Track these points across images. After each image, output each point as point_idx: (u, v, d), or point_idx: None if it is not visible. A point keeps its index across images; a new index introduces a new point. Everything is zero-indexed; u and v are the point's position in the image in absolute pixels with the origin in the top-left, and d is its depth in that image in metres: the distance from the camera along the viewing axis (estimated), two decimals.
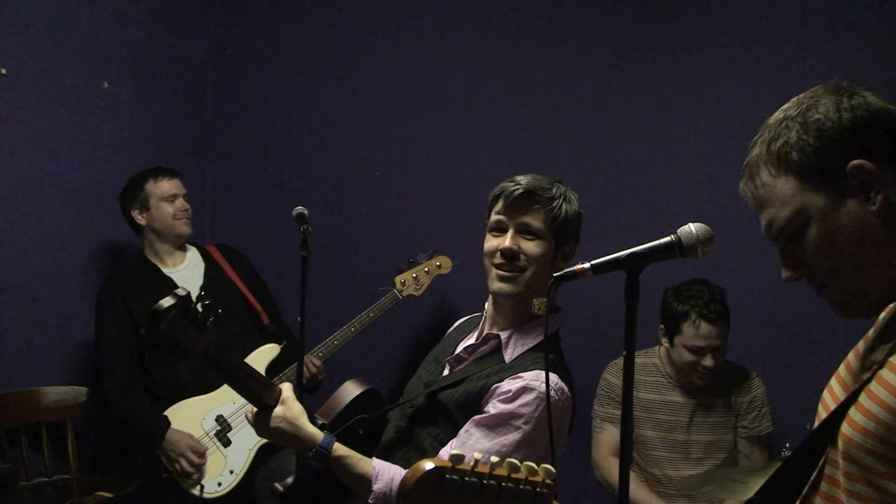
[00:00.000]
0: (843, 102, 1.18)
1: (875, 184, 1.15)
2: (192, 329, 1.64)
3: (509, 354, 1.88)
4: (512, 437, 1.75)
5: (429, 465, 1.03)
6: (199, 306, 1.65)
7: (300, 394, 3.00)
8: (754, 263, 2.92)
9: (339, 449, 1.77)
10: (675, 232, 1.37)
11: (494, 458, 1.03)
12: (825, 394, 1.33)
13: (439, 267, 3.39)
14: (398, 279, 3.32)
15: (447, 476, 1.03)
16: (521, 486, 1.05)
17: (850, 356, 1.33)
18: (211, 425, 3.02)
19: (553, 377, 1.79)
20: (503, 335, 1.91)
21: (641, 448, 2.88)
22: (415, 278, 3.33)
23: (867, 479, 1.14)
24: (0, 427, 3.01)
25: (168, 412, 3.01)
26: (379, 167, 3.77)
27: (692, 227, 1.36)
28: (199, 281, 3.26)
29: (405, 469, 1.75)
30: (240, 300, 3.30)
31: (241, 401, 2.96)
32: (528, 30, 3.53)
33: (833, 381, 1.33)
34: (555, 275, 1.40)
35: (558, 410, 1.80)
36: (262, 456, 3.04)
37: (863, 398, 1.17)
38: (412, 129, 3.73)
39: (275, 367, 3.17)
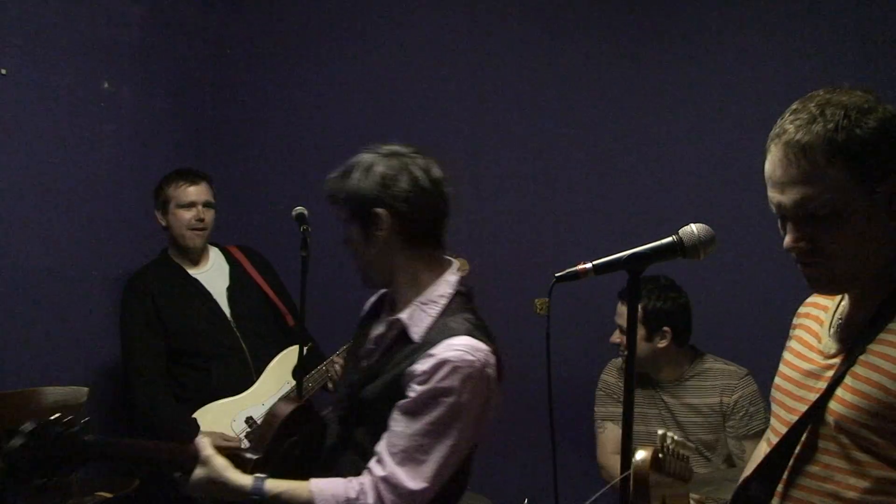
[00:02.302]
0: (886, 107, 1.31)
1: None
2: (59, 447, 1.70)
3: (416, 332, 1.82)
4: (438, 413, 1.71)
5: (642, 454, 1.14)
6: (52, 422, 1.71)
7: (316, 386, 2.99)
8: (754, 263, 2.92)
9: (274, 487, 1.75)
10: (676, 232, 1.37)
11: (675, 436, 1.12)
12: (783, 382, 1.48)
13: (458, 270, 3.33)
14: None
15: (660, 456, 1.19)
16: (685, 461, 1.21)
17: (799, 347, 1.48)
18: (241, 427, 3.01)
19: (463, 341, 1.75)
20: (404, 316, 1.85)
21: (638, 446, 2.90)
22: None
23: (866, 447, 1.28)
24: (0, 427, 3.00)
25: (197, 414, 3.00)
26: None
27: (694, 228, 1.36)
28: (225, 282, 3.25)
29: (352, 476, 1.74)
30: (264, 302, 3.28)
31: (270, 400, 3.01)
32: (529, 31, 3.54)
33: (789, 371, 1.47)
34: (556, 275, 1.41)
35: (482, 378, 1.76)
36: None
37: (849, 380, 1.30)
38: (412, 129, 3.73)
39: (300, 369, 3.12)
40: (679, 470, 1.23)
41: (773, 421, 1.49)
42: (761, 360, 3.08)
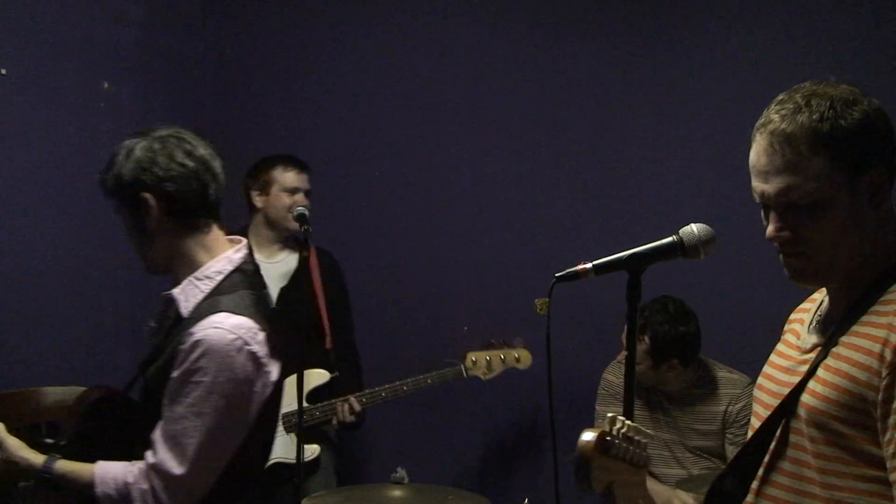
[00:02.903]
0: (872, 101, 1.33)
1: (881, 189, 1.31)
2: None
3: (185, 307, 1.79)
4: (195, 394, 1.69)
5: (589, 435, 1.12)
6: None
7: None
8: (754, 264, 2.92)
9: (63, 466, 1.78)
10: (676, 232, 1.37)
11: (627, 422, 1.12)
12: (763, 381, 1.48)
13: (517, 360, 3.16)
14: (471, 356, 3.11)
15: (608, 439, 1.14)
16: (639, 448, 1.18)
17: (783, 347, 1.49)
18: None
19: (224, 318, 1.71)
20: (176, 291, 1.82)
21: None
22: (487, 361, 3.11)
23: (831, 441, 1.28)
24: None
25: None
26: (378, 167, 3.77)
27: (694, 228, 1.37)
28: (284, 282, 3.16)
29: (144, 460, 1.71)
30: (313, 314, 3.18)
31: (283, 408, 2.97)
32: (530, 31, 3.54)
33: (770, 370, 1.48)
34: (556, 275, 1.41)
35: (242, 356, 1.70)
36: (283, 472, 2.92)
37: (821, 372, 1.31)
38: (412, 129, 3.73)
39: (318, 393, 3.06)
40: (631, 456, 1.20)
41: (753, 420, 1.49)
42: (760, 363, 3.09)
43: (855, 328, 1.30)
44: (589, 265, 1.39)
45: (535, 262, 3.42)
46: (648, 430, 1.26)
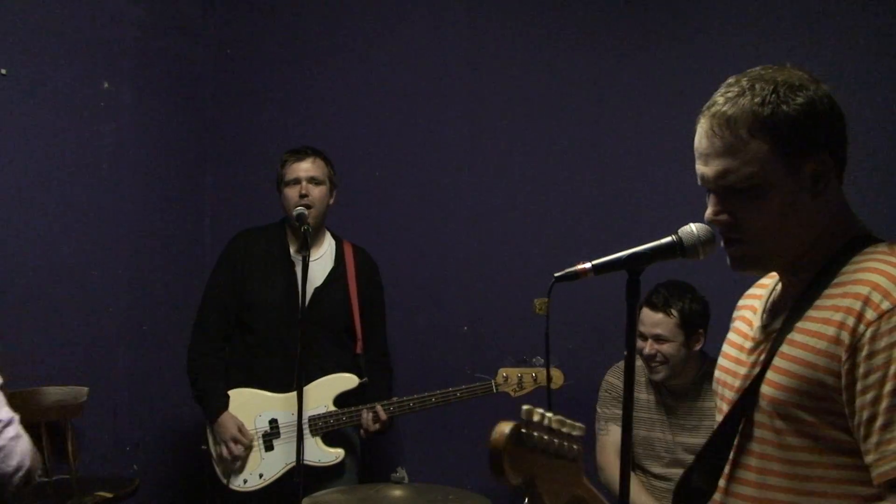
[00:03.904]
0: (821, 88, 1.31)
1: (824, 176, 1.29)
2: None
3: None
4: None
5: (502, 427, 1.10)
6: None
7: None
8: None
9: None
10: (676, 232, 1.37)
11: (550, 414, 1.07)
12: (720, 374, 1.46)
13: (549, 380, 3.19)
14: (502, 372, 3.03)
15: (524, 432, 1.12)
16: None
17: (734, 336, 1.47)
18: (263, 425, 2.99)
19: None
20: None
21: (640, 447, 2.89)
22: (519, 378, 3.04)
23: (797, 430, 1.25)
24: None
25: (233, 393, 3.00)
26: (378, 167, 3.77)
27: (693, 228, 1.36)
28: (319, 282, 3.07)
29: None
30: (346, 317, 3.10)
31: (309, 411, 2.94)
32: (529, 31, 3.54)
33: (725, 362, 1.46)
34: (556, 275, 1.40)
35: None
36: (308, 475, 2.92)
37: (777, 361, 1.28)
38: (411, 128, 3.73)
39: (346, 398, 3.02)
40: (556, 448, 1.17)
41: (717, 416, 1.47)
42: None
43: (810, 313, 1.27)
44: (588, 265, 1.38)
45: (535, 262, 3.42)
46: (578, 423, 1.22)
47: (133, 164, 3.64)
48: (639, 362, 2.90)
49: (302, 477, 2.76)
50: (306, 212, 2.96)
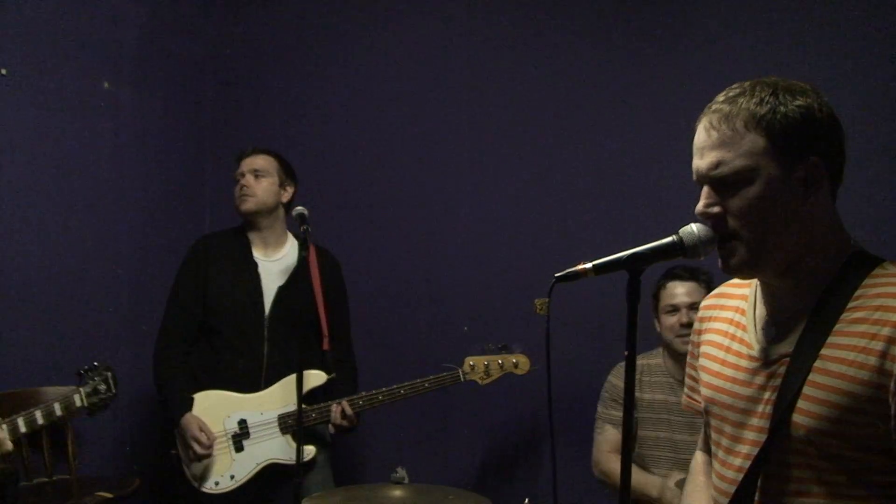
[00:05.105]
0: (821, 99, 1.34)
1: (816, 182, 1.31)
2: None
3: None
4: None
5: None
6: None
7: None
8: None
9: None
10: (677, 232, 1.37)
11: None
12: (715, 394, 1.42)
13: (515, 365, 3.12)
14: (469, 360, 3.08)
15: None
16: None
17: (724, 354, 1.43)
18: (232, 426, 2.99)
19: None
20: None
21: (643, 448, 2.89)
22: (486, 366, 3.08)
23: (839, 468, 1.24)
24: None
25: (198, 396, 3.01)
26: (378, 167, 3.77)
27: (694, 228, 1.36)
28: (282, 281, 3.12)
29: None
30: (312, 315, 3.12)
31: (269, 413, 2.98)
32: (529, 31, 3.54)
33: (720, 381, 1.42)
34: (556, 275, 1.40)
35: None
36: (268, 474, 2.99)
37: (809, 390, 1.26)
38: (411, 129, 3.73)
39: (315, 395, 3.04)
40: None
41: (716, 437, 1.44)
42: None
43: (836, 340, 1.26)
44: (589, 265, 1.38)
45: (535, 262, 3.42)
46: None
47: (133, 164, 3.64)
48: (643, 361, 2.90)
49: (301, 477, 2.76)
50: (306, 211, 2.99)
